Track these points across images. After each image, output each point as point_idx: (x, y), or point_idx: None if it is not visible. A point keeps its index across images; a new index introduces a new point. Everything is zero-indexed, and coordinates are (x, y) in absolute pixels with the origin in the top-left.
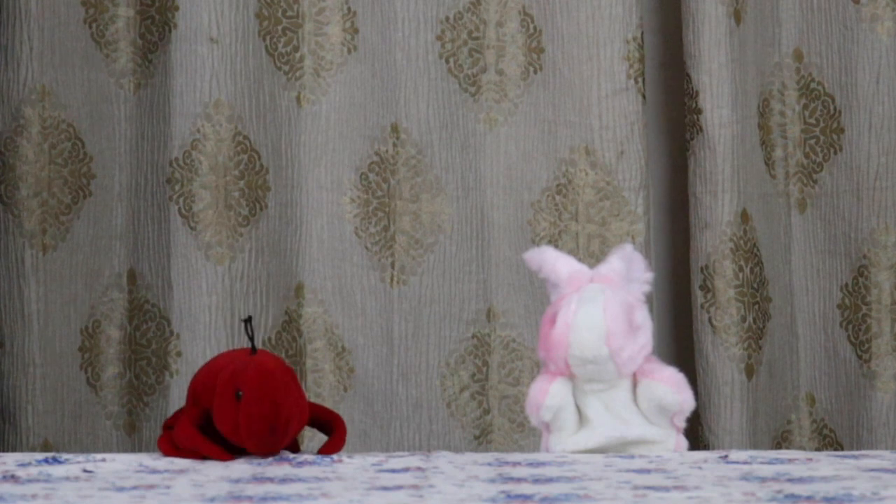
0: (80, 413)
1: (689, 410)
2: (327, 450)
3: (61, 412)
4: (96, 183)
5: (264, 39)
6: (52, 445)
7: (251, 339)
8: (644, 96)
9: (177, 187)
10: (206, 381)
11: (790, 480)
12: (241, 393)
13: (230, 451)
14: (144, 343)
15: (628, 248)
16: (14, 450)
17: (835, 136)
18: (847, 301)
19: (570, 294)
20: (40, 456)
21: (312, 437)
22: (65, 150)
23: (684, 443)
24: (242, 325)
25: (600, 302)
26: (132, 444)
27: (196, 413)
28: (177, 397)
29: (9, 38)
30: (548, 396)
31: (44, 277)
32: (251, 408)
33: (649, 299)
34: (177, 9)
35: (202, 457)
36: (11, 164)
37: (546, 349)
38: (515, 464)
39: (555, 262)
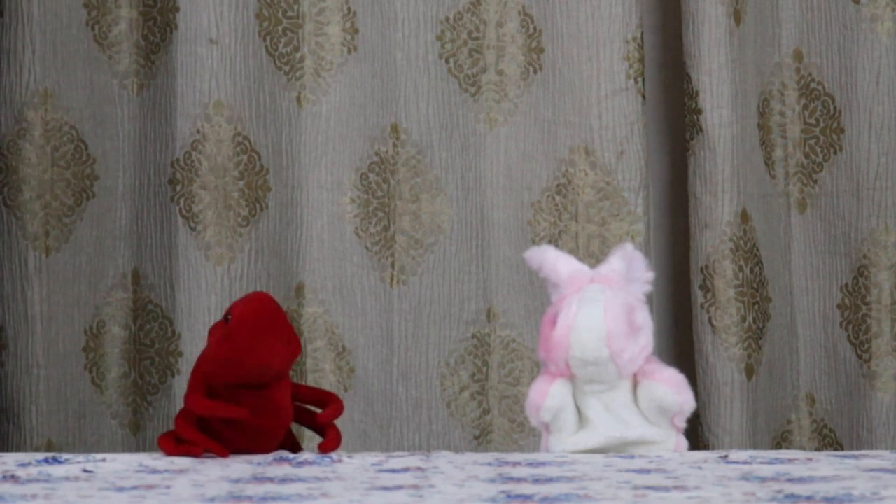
0: (85, 413)
1: (690, 411)
2: (325, 417)
3: (65, 412)
4: (99, 184)
5: (264, 40)
6: (55, 445)
7: None
8: (644, 96)
9: (178, 188)
10: (205, 356)
11: (790, 480)
12: (229, 317)
13: (229, 442)
14: (148, 343)
15: (629, 247)
16: (18, 450)
17: (835, 136)
18: (847, 301)
19: (571, 295)
20: (40, 456)
21: (312, 438)
22: (67, 152)
23: (684, 443)
24: None
25: (601, 303)
26: (137, 443)
27: (200, 385)
28: (180, 397)
29: (11, 41)
30: (548, 398)
31: (47, 279)
32: (241, 317)
33: (649, 299)
34: (177, 10)
35: (204, 450)
36: (14, 167)
37: (547, 350)
38: (515, 464)
39: (555, 262)
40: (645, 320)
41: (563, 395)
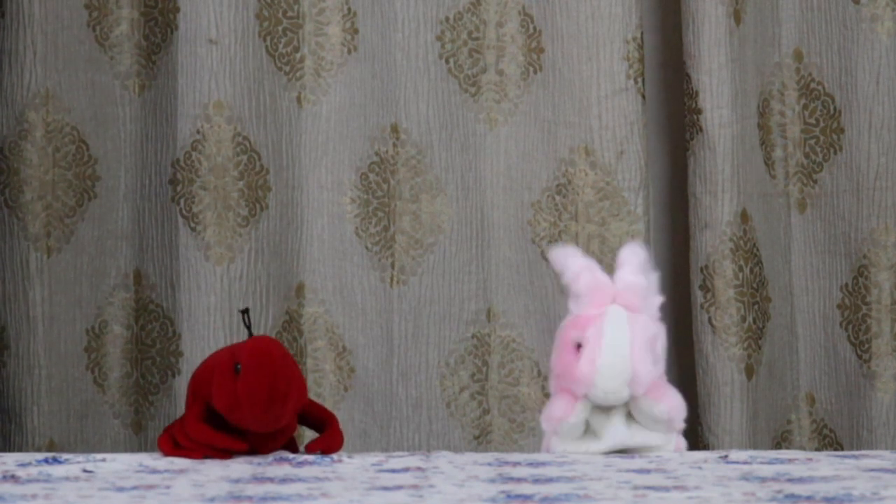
0: (87, 413)
1: (679, 414)
2: (317, 445)
3: (67, 412)
4: (100, 185)
5: (264, 40)
6: (57, 445)
7: (248, 328)
8: (644, 96)
9: (178, 188)
10: (205, 376)
11: (790, 480)
12: (239, 366)
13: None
14: (149, 343)
15: (639, 251)
16: (20, 450)
17: (835, 136)
18: (847, 301)
19: (595, 321)
20: (40, 456)
21: (312, 437)
22: (69, 152)
23: (684, 443)
24: (241, 317)
25: (626, 342)
26: (139, 443)
27: (199, 408)
28: (181, 397)
29: (12, 42)
30: (573, 415)
31: (48, 280)
32: (250, 378)
33: None
34: (178, 10)
35: (204, 455)
36: (15, 168)
37: (567, 379)
38: (515, 464)
39: (578, 273)
40: (662, 347)
41: (585, 414)
